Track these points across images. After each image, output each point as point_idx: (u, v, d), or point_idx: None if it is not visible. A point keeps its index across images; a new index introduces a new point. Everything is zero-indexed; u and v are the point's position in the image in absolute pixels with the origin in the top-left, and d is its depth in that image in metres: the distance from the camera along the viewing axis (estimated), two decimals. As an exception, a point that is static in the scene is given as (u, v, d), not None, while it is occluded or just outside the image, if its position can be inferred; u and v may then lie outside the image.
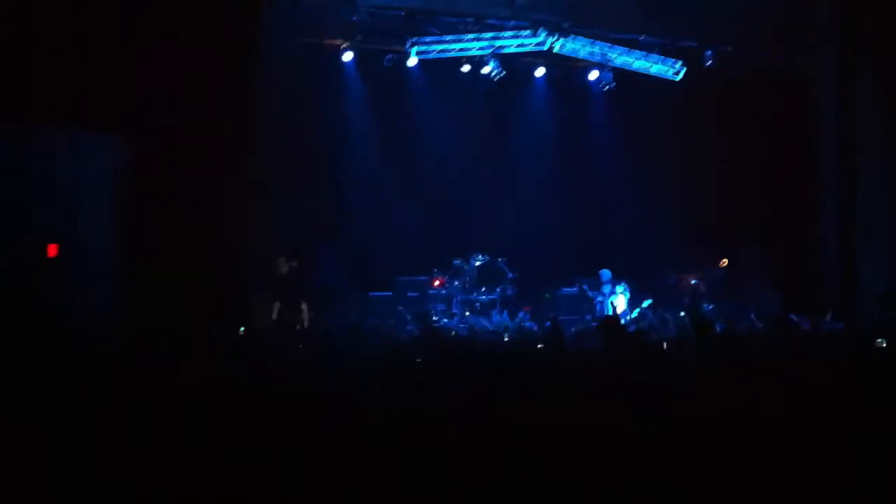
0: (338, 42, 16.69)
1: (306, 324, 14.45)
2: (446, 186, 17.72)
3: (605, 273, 16.99)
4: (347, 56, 16.80)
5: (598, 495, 5.06)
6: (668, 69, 17.76)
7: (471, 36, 16.76)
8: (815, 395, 5.73)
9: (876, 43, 16.02)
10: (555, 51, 17.16)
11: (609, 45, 17.48)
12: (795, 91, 17.79)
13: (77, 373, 6.73)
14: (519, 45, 17.05)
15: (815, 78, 17.21)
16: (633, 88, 18.01)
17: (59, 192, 12.41)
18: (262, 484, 5.13)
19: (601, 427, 5.50)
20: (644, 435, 5.38)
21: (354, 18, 15.94)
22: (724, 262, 17.85)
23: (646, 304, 16.64)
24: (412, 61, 16.92)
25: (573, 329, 14.30)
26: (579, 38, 17.20)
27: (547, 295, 17.40)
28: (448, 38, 16.78)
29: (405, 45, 16.73)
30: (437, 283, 17.02)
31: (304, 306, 14.65)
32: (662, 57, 17.70)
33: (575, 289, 17.22)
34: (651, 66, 17.76)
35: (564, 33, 16.97)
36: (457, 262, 17.05)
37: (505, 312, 16.55)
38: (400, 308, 16.12)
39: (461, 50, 16.94)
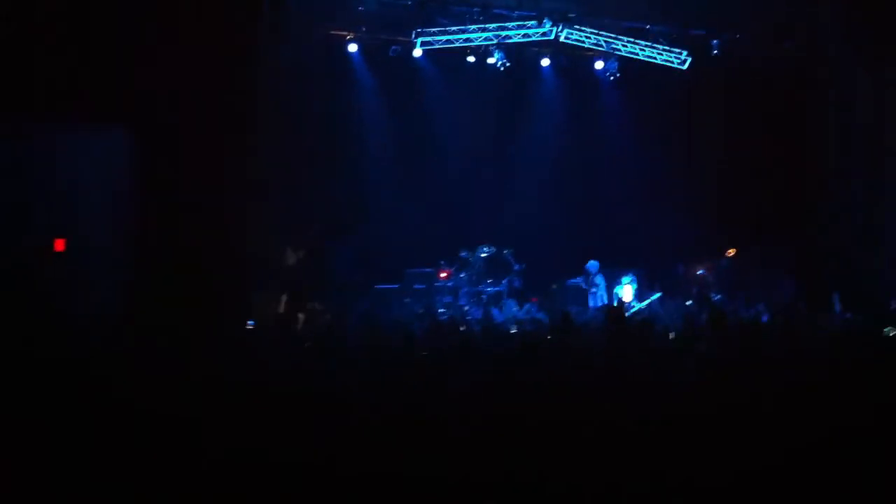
0: (343, 33, 16.66)
1: (312, 319, 14.43)
2: (453, 178, 17.62)
3: (593, 265, 17.01)
4: (353, 47, 16.77)
5: (598, 495, 5.07)
6: (675, 59, 17.71)
7: (476, 26, 16.72)
8: (815, 395, 5.71)
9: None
10: (560, 40, 17.11)
11: (615, 34, 17.41)
12: (801, 78, 17.78)
13: (77, 372, 6.74)
14: (524, 36, 16.99)
15: (818, 64, 17.27)
16: (640, 78, 17.93)
17: (59, 192, 12.40)
18: (262, 484, 5.14)
19: (601, 427, 5.49)
20: (644, 435, 5.37)
21: (361, 9, 15.92)
22: (732, 251, 17.77)
23: (654, 297, 16.60)
24: (417, 52, 16.86)
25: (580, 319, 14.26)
26: (585, 27, 17.14)
27: (554, 286, 17.36)
28: (453, 28, 16.73)
29: (410, 36, 16.67)
30: (443, 275, 16.98)
31: (309, 301, 14.64)
32: (668, 46, 17.63)
33: (580, 280, 17.20)
34: (657, 56, 17.70)
35: (570, 23, 16.91)
36: (463, 253, 17.00)
37: (513, 303, 16.55)
38: (407, 300, 16.12)
39: (466, 40, 16.90)
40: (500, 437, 5.45)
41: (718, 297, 16.47)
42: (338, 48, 16.71)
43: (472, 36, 16.82)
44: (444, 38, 16.76)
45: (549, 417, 5.61)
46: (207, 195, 12.99)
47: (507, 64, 16.91)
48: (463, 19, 16.75)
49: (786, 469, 4.98)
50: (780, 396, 5.81)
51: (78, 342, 8.77)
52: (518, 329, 12.23)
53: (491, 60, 16.92)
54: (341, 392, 6.44)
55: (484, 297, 16.88)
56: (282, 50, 14.60)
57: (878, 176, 16.98)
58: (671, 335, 10.00)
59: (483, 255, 17.04)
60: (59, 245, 12.39)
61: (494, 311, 15.71)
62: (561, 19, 16.80)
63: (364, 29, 16.56)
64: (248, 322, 12.39)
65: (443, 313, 15.32)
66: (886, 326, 9.90)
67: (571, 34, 17.09)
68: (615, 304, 15.95)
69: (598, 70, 18.09)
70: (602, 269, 17.13)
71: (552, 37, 16.98)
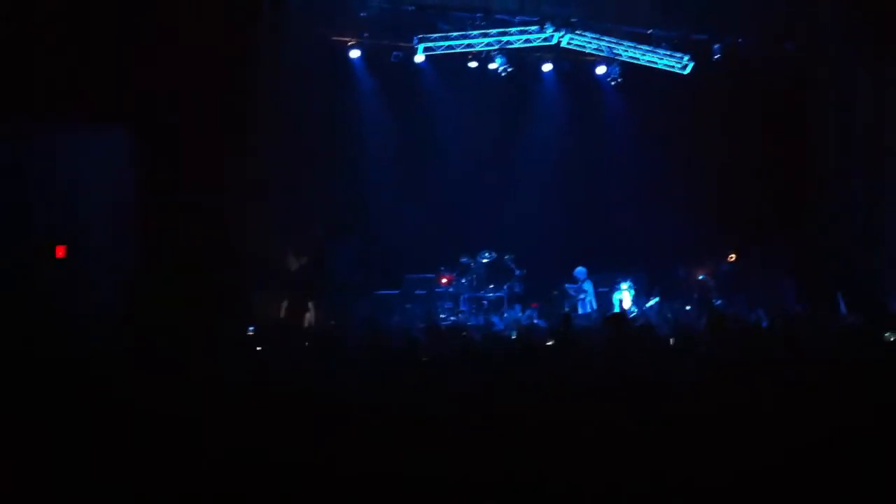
0: (345, 39, 16.68)
1: (313, 322, 14.44)
2: (454, 183, 17.65)
3: (581, 271, 17.10)
4: (355, 53, 16.79)
5: (598, 495, 5.06)
6: (676, 63, 17.73)
7: (478, 32, 16.73)
8: (815, 395, 5.70)
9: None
10: (562, 45, 17.13)
11: (616, 39, 17.44)
12: (801, 79, 17.81)
13: (77, 372, 6.74)
14: (526, 41, 17.02)
15: (818, 64, 17.30)
16: (641, 82, 17.94)
17: (59, 192, 12.41)
18: (262, 484, 5.13)
19: (601, 427, 5.48)
20: (644, 435, 5.36)
21: (363, 14, 15.93)
22: (733, 256, 17.79)
23: (652, 302, 16.61)
24: (419, 58, 16.87)
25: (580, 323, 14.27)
26: (587, 32, 17.17)
27: (555, 292, 17.37)
28: (455, 34, 16.75)
29: (412, 41, 16.69)
30: (444, 280, 16.99)
31: (311, 304, 14.64)
32: (670, 51, 17.65)
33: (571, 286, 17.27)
34: (659, 61, 17.73)
35: (571, 28, 16.93)
36: (464, 259, 17.02)
37: (517, 307, 16.55)
38: (408, 306, 16.11)
39: (468, 46, 16.90)
40: (500, 437, 5.44)
41: (719, 302, 16.49)
42: (340, 54, 16.72)
43: (473, 41, 16.83)
44: (446, 43, 16.76)
45: (549, 417, 5.60)
46: (207, 195, 13.00)
47: (509, 69, 16.90)
48: (465, 25, 16.76)
49: (786, 469, 4.97)
50: (780, 397, 5.79)
51: (78, 342, 8.78)
52: (518, 334, 12.24)
53: (493, 66, 16.93)
54: (341, 392, 6.43)
55: (485, 303, 16.89)
56: (282, 50, 14.61)
57: (878, 176, 17.00)
58: (671, 341, 9.98)
59: (484, 260, 17.06)
60: (61, 252, 12.41)
61: (495, 319, 15.72)
62: (563, 24, 16.82)
63: (366, 34, 16.56)
64: (249, 328, 12.36)
65: (444, 319, 15.33)
66: (887, 332, 9.87)
67: (573, 39, 17.12)
68: (616, 311, 15.93)
69: (600, 75, 18.09)
70: (599, 275, 17.16)
71: (554, 42, 17.01)
